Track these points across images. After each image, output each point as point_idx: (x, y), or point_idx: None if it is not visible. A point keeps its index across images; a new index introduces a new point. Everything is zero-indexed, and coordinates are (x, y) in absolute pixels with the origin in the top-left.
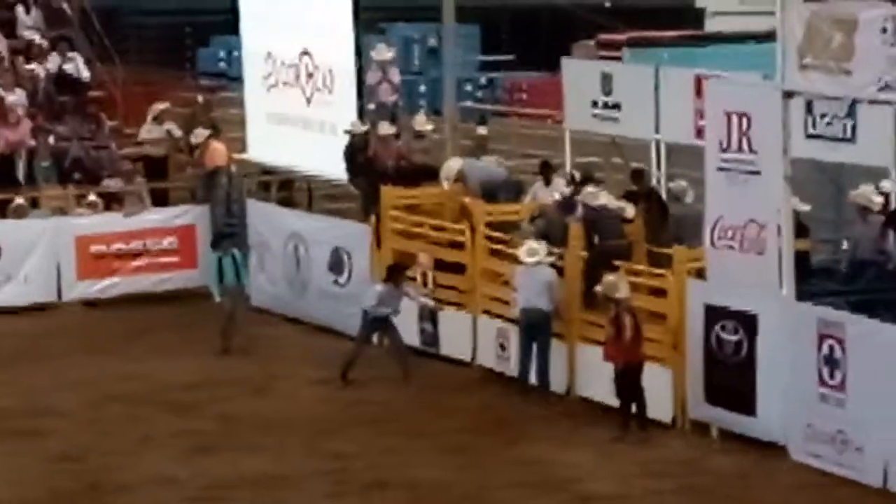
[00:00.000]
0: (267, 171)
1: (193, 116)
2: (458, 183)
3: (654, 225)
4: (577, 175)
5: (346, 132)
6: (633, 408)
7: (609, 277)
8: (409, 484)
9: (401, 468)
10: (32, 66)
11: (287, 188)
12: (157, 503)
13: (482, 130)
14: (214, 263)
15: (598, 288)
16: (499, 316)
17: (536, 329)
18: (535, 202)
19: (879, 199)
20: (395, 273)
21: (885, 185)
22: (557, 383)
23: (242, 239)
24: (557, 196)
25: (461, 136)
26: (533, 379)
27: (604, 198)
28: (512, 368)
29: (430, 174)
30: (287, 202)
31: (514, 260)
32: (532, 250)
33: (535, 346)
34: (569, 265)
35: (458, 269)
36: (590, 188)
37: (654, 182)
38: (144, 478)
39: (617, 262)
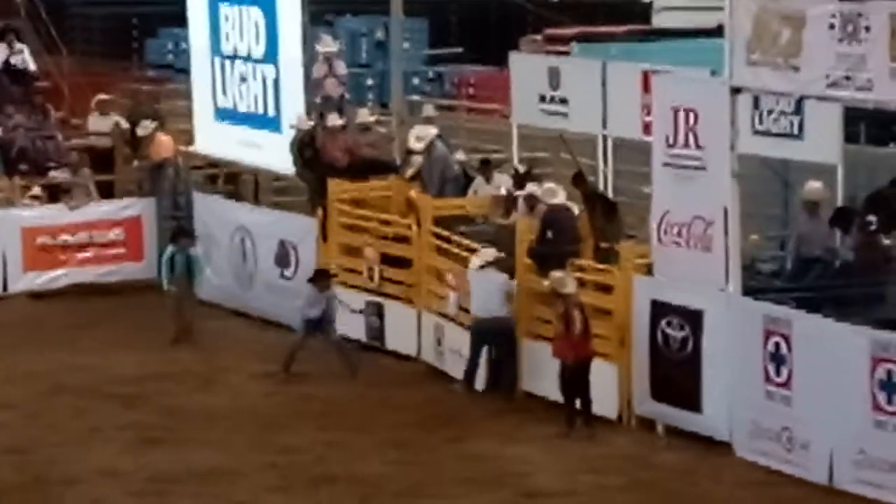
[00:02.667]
0: (213, 163)
1: (137, 106)
2: (419, 157)
3: (598, 224)
4: (521, 169)
5: (292, 126)
6: (579, 404)
7: (556, 273)
8: (354, 478)
9: (347, 462)
10: None
11: (233, 181)
12: (103, 496)
13: (430, 111)
14: (168, 257)
15: (546, 283)
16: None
17: (498, 337)
18: (476, 199)
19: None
20: (319, 277)
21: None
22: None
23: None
24: (503, 191)
25: (408, 130)
26: (480, 385)
27: (561, 195)
28: (450, 366)
29: (377, 168)
30: (234, 195)
31: (463, 261)
32: (484, 255)
33: (491, 353)
34: (519, 262)
35: (405, 263)
36: (547, 185)
37: (601, 178)
38: (90, 470)
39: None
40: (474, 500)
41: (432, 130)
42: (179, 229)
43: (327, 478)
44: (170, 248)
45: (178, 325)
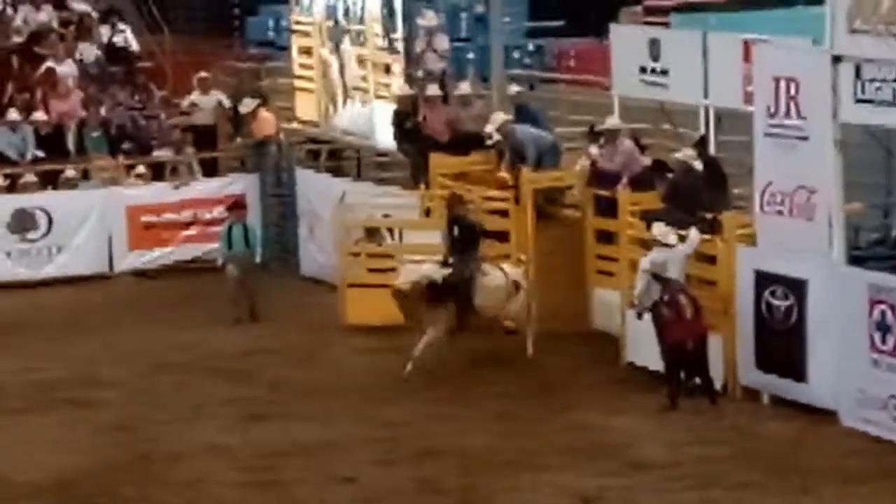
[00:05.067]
0: (315, 139)
1: (239, 84)
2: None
3: (714, 192)
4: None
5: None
6: (699, 381)
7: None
8: (459, 451)
9: (450, 435)
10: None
11: (336, 157)
12: (209, 472)
13: (515, 89)
14: (225, 231)
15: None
16: None
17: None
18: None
19: None
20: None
21: None
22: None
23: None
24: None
25: (510, 103)
26: None
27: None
28: None
29: (479, 142)
30: (336, 171)
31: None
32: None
33: None
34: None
35: (503, 237)
36: (687, 151)
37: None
38: (195, 447)
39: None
40: (580, 470)
41: (499, 116)
42: (233, 203)
43: (431, 451)
44: (226, 222)
45: (240, 305)
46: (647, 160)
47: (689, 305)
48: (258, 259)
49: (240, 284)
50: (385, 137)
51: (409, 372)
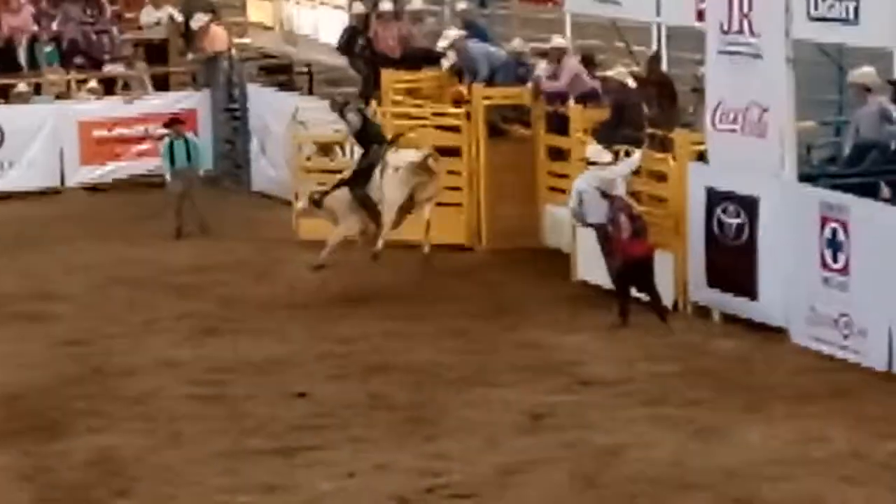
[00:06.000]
0: (267, 55)
1: (192, 0)
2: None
3: (665, 111)
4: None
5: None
6: (647, 300)
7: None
8: (411, 367)
9: (403, 352)
10: None
11: (287, 72)
12: (162, 386)
13: (462, 5)
14: (166, 147)
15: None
16: None
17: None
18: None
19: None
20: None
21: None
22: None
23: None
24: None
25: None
26: None
27: (629, 79)
28: None
29: (431, 58)
30: (287, 86)
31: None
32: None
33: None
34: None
35: (454, 153)
36: (620, 68)
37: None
38: (148, 361)
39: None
40: (530, 387)
41: (453, 32)
42: (172, 118)
43: (383, 366)
44: (167, 138)
45: (183, 218)
46: (594, 80)
47: (630, 225)
48: (201, 173)
49: (182, 198)
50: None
51: (314, 267)
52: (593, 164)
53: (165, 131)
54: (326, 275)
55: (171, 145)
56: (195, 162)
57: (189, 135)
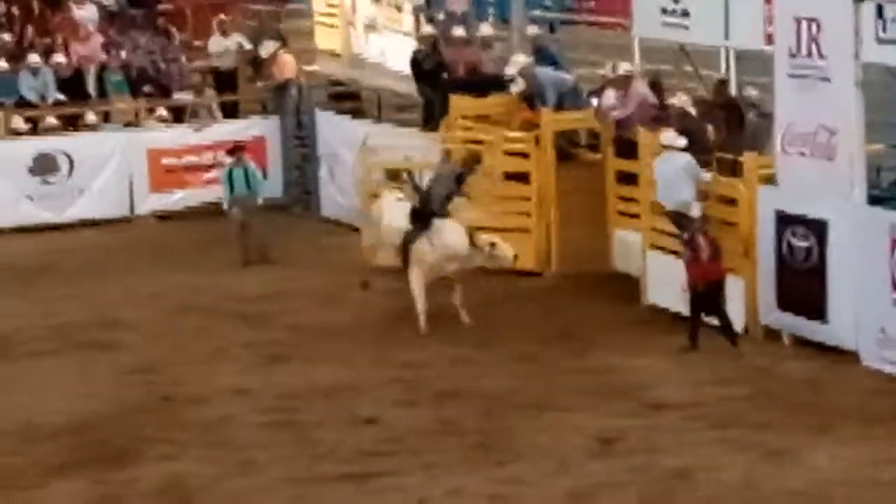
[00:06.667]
0: (336, 82)
1: (261, 28)
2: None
3: (733, 135)
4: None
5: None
6: (718, 326)
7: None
8: (479, 392)
9: (471, 377)
10: None
11: (356, 99)
12: (231, 414)
13: (533, 30)
14: (225, 175)
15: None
16: None
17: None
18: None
19: None
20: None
21: None
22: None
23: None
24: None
25: (529, 45)
26: None
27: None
28: None
29: (499, 84)
30: (356, 113)
31: None
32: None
33: None
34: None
35: (524, 178)
36: (682, 95)
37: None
38: (217, 389)
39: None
40: (600, 411)
41: (520, 59)
42: (232, 147)
43: (451, 392)
44: (227, 164)
45: (247, 247)
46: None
47: (707, 248)
48: (260, 201)
49: (243, 227)
50: (399, 68)
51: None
52: (667, 147)
53: (229, 159)
54: (393, 300)
55: (230, 173)
56: (254, 190)
57: (250, 163)
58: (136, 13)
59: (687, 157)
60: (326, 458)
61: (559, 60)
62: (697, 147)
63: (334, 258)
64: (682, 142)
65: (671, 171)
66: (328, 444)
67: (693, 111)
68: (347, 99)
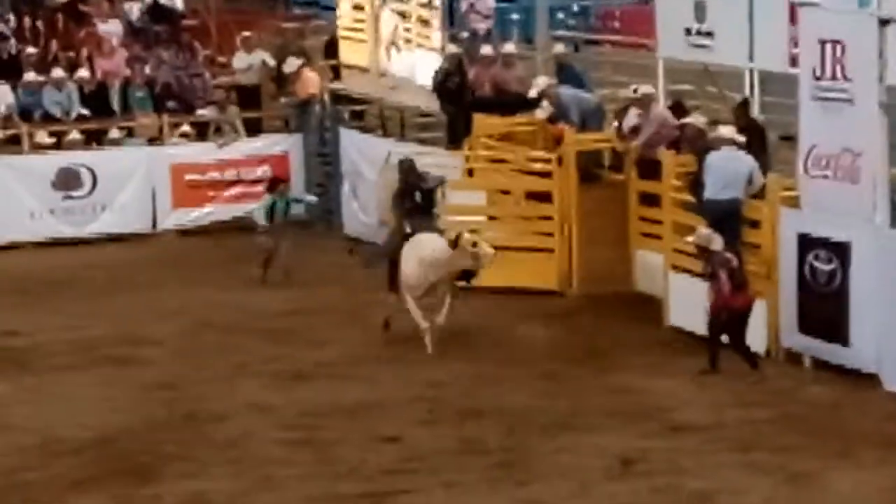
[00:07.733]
0: (359, 99)
1: (285, 45)
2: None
3: (755, 157)
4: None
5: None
6: (735, 350)
7: (703, 231)
8: (502, 411)
9: (493, 396)
10: None
11: (379, 117)
12: (252, 430)
13: (559, 48)
14: (267, 204)
15: (692, 239)
16: None
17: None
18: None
19: None
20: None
21: None
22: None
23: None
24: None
25: (553, 64)
26: None
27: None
28: None
29: (524, 104)
30: (379, 130)
31: None
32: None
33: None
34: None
35: (546, 198)
36: (697, 115)
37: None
38: (239, 406)
39: None
40: (621, 432)
41: (542, 80)
42: (275, 179)
43: (474, 411)
44: (269, 197)
45: (267, 271)
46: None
47: (730, 280)
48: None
49: (271, 252)
50: (426, 81)
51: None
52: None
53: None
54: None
55: (273, 204)
56: (289, 216)
57: (290, 194)
58: (160, 29)
59: (752, 160)
60: (347, 477)
61: (584, 79)
62: None
63: (356, 275)
64: (742, 138)
65: (734, 171)
66: (349, 462)
67: (707, 130)
68: (357, 116)
